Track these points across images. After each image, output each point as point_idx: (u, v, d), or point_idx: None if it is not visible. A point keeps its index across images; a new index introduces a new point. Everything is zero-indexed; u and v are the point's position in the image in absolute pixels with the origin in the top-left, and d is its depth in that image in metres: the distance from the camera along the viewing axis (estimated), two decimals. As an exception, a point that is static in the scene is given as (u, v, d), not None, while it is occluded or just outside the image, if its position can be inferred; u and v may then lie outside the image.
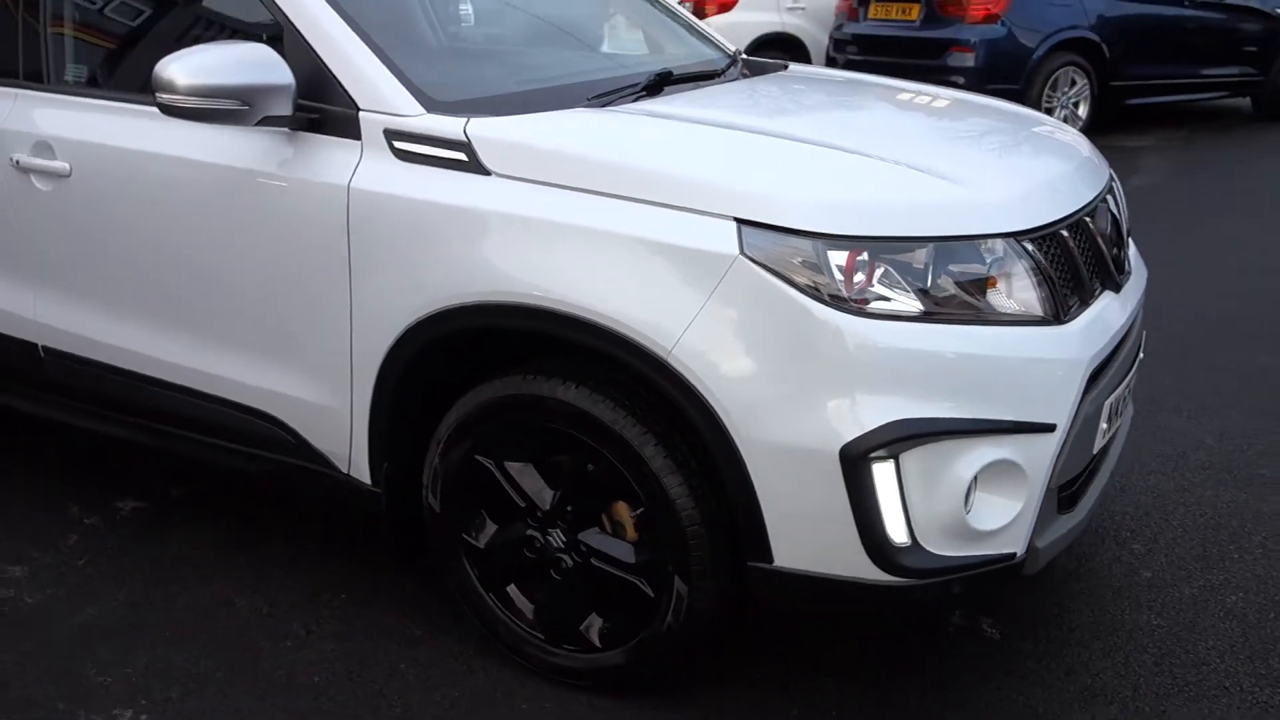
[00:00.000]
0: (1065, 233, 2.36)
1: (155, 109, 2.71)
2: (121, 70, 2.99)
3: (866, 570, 2.16)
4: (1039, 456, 2.21)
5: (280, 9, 2.58)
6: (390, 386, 2.51)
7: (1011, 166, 2.57)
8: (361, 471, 2.66)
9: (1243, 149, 9.34)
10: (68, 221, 2.93)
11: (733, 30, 8.63)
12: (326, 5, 2.57)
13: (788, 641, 2.68)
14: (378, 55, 2.52)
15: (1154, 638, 2.64)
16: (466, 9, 3.42)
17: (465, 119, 2.40)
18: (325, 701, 2.52)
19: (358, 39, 2.54)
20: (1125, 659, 2.57)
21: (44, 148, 2.92)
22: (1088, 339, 2.31)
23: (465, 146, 2.36)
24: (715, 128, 2.53)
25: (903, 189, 2.25)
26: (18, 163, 2.95)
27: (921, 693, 2.50)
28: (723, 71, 3.26)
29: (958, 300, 2.17)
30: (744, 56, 3.55)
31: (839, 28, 9.79)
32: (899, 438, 2.08)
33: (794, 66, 3.45)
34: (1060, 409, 2.23)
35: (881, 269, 2.12)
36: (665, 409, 2.25)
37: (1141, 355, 2.75)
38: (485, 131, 2.37)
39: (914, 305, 2.13)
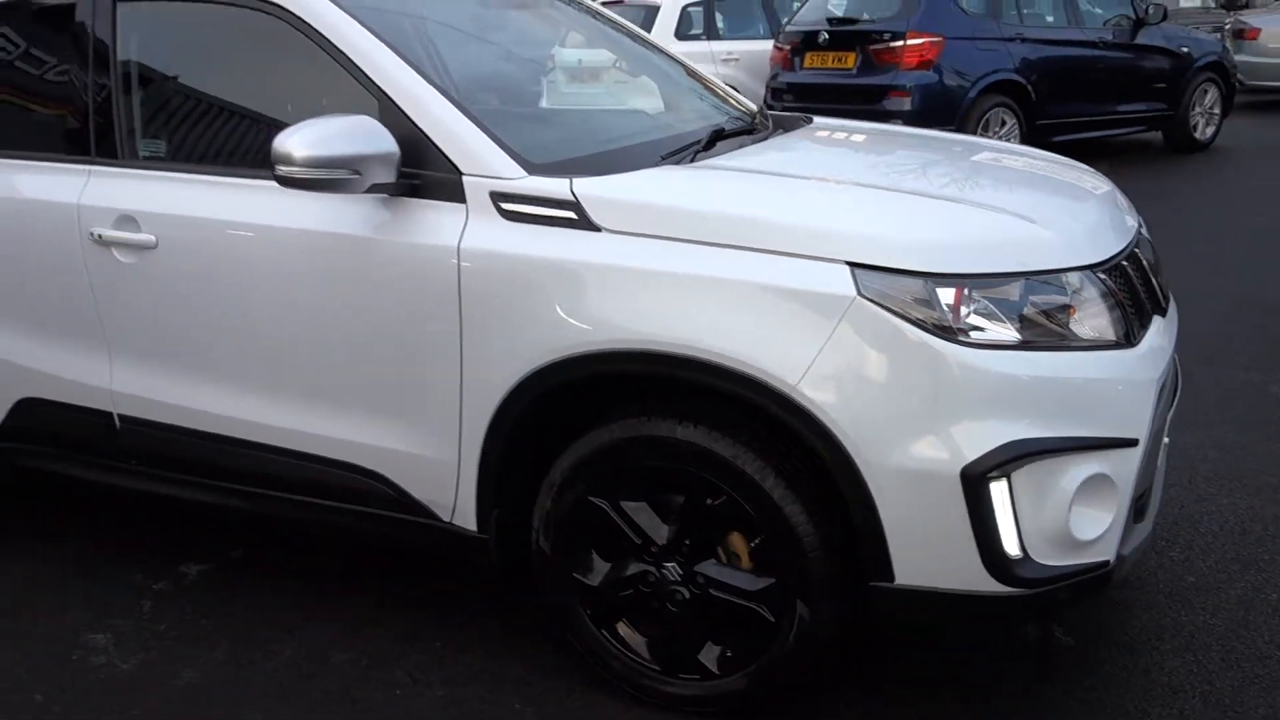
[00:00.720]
0: (1125, 263, 2.60)
1: (244, 181, 2.86)
2: (205, 144, 3.06)
3: (984, 583, 2.33)
4: (1125, 470, 2.42)
5: (375, 84, 2.71)
6: (502, 436, 2.62)
7: (1071, 206, 2.80)
8: (467, 519, 2.76)
9: (1159, 179, 9.86)
10: (154, 291, 2.99)
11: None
12: (420, 79, 2.71)
13: (878, 660, 2.84)
14: (474, 123, 2.67)
15: (1215, 636, 2.86)
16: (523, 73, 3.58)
17: (568, 179, 2.55)
18: (452, 745, 2.61)
19: (454, 108, 2.68)
20: (1194, 657, 2.78)
21: (127, 221, 2.98)
22: (1153, 359, 2.54)
23: (574, 205, 2.51)
24: (805, 179, 2.73)
25: (994, 230, 2.46)
26: (100, 237, 3.00)
27: (1020, 701, 2.67)
28: (755, 125, 3.46)
29: (1046, 329, 2.37)
30: (767, 111, 3.76)
31: (775, 77, 10.14)
32: (1013, 457, 2.27)
33: (817, 119, 3.65)
34: (1139, 425, 2.44)
35: (982, 303, 2.32)
36: (783, 442, 2.40)
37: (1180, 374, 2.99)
38: (592, 190, 2.52)
39: (1012, 335, 2.33)
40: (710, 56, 10.88)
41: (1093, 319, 2.44)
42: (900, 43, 8.89)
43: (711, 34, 11.03)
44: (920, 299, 2.29)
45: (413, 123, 2.66)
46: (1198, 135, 10.98)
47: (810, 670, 2.53)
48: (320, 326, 2.80)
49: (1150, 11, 10.14)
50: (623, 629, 2.70)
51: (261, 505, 3.09)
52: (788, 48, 9.95)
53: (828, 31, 9.36)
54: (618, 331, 2.44)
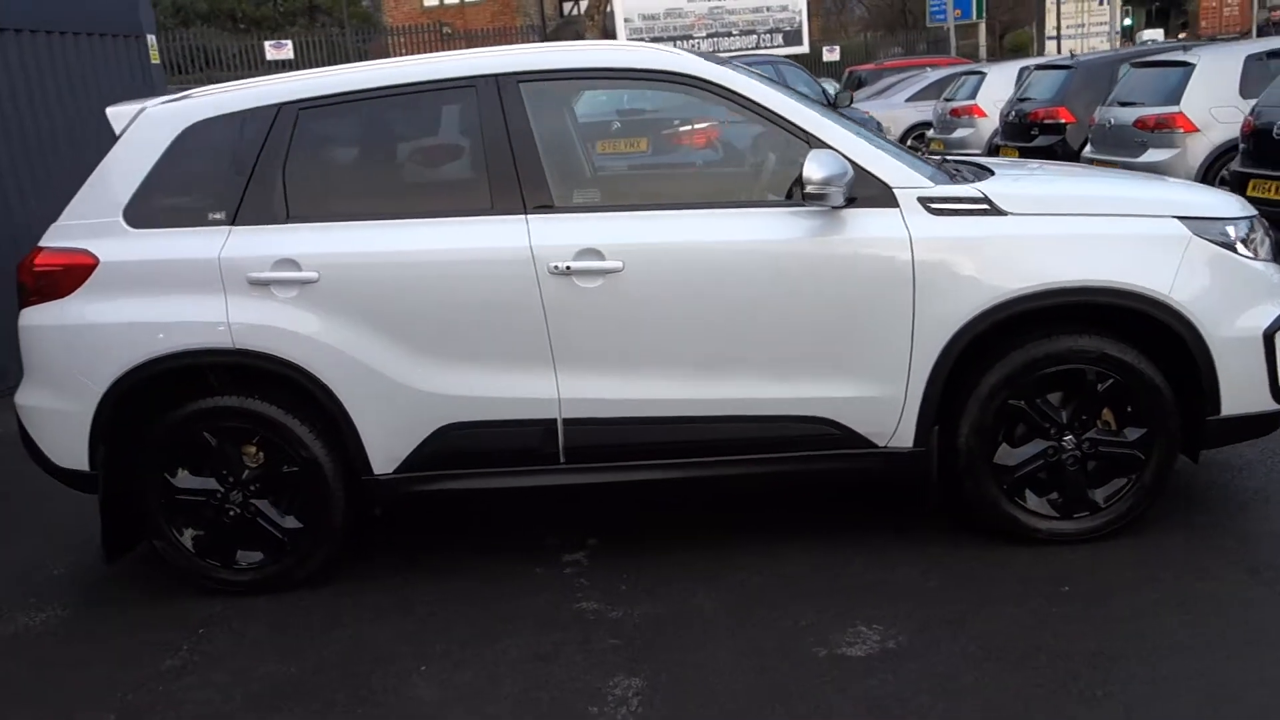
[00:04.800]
0: (1256, 217, 4.21)
1: (695, 211, 3.76)
2: (632, 187, 3.84)
3: (1269, 405, 3.77)
4: (1300, 331, 3.98)
5: (813, 134, 3.73)
6: (945, 370, 3.70)
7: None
8: (904, 440, 3.78)
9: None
10: (618, 306, 3.71)
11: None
12: (840, 125, 3.78)
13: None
14: (888, 153, 3.77)
15: (1301, 447, 4.52)
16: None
17: (972, 183, 3.74)
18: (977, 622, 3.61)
19: (871, 145, 3.77)
20: (1306, 457, 4.41)
21: (590, 253, 3.69)
22: None
23: (985, 200, 3.69)
24: (1102, 176, 4.10)
25: (1228, 196, 3.97)
26: (568, 268, 3.68)
27: (1222, 499, 4.13)
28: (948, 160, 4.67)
29: (1255, 250, 3.88)
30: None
31: (557, 165, 11.36)
32: (1281, 323, 3.76)
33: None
34: None
35: (1243, 233, 3.80)
36: (1147, 337, 3.71)
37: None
38: (993, 189, 3.73)
39: (1250, 253, 3.82)
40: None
41: (1263, 245, 3.99)
42: (689, 127, 10.48)
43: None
44: (1222, 233, 3.73)
45: (845, 156, 3.68)
46: (871, 193, 13.57)
47: (1165, 486, 3.83)
48: (782, 312, 3.71)
49: (839, 97, 12.58)
50: (1029, 495, 3.84)
51: (704, 470, 3.87)
52: (570, 138, 11.21)
53: (619, 122, 10.76)
54: (1037, 278, 3.64)
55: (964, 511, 3.92)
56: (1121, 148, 10.42)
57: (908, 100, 17.23)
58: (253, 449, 3.94)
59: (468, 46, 30.56)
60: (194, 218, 3.87)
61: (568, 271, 3.70)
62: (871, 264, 3.68)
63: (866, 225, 3.68)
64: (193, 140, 3.91)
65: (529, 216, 3.76)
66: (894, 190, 3.70)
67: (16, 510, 5.04)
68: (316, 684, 3.37)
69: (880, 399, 3.76)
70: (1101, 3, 34.17)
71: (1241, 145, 8.70)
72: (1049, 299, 3.67)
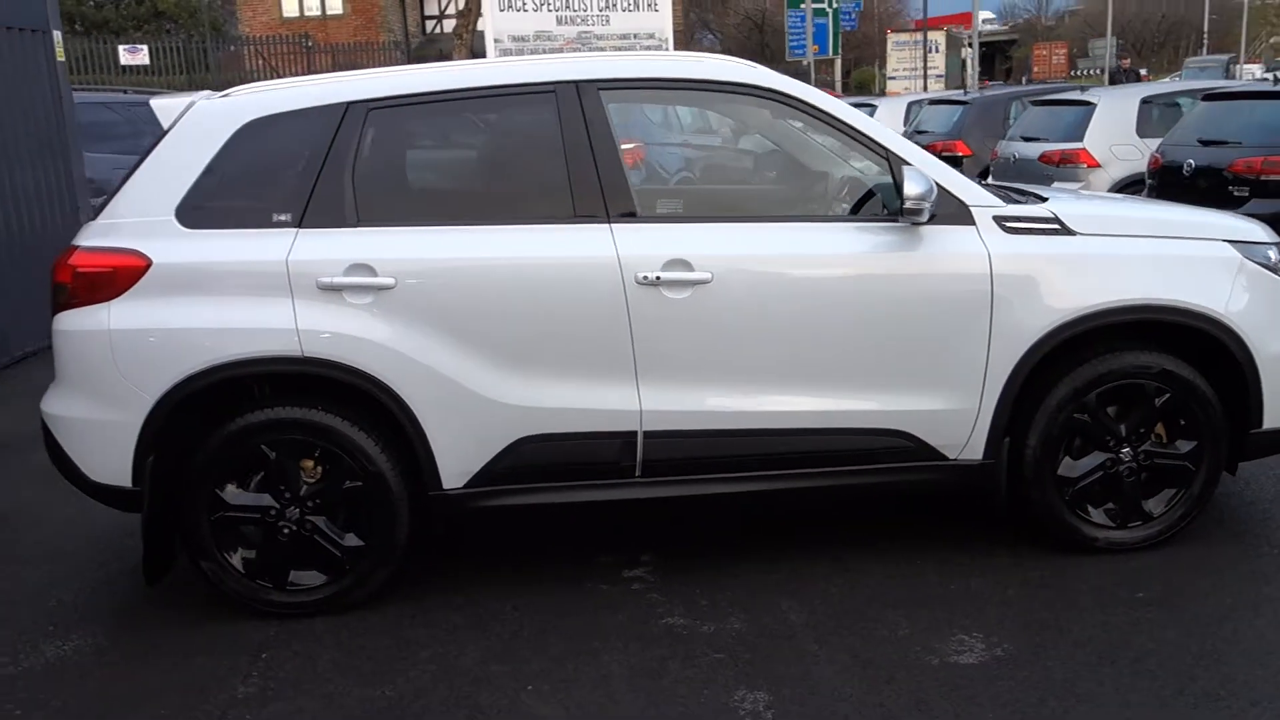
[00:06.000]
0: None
1: (780, 224, 3.79)
2: (716, 199, 3.82)
3: (1308, 419, 4.03)
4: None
5: (894, 151, 3.79)
6: (1019, 383, 3.81)
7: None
8: (975, 453, 3.87)
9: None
10: (704, 319, 3.68)
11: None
12: (920, 149, 3.86)
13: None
14: (957, 173, 3.87)
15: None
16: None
17: (1042, 204, 3.87)
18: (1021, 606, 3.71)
19: (945, 166, 3.86)
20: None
21: (679, 264, 3.66)
22: None
23: (1056, 220, 3.83)
24: (1139, 203, 4.27)
25: (1261, 223, 4.20)
26: (656, 279, 3.64)
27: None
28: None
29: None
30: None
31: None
32: (1320, 335, 4.00)
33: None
34: None
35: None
36: (1201, 354, 3.91)
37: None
38: (1061, 209, 3.87)
39: (1281, 274, 4.08)
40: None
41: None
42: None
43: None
44: (1265, 256, 3.97)
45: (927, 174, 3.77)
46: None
47: (1211, 496, 4.03)
48: (866, 324, 3.76)
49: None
50: (1090, 508, 3.97)
51: (777, 484, 3.86)
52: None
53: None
54: (1107, 295, 3.79)
55: (1027, 522, 4.03)
56: (1025, 180, 10.93)
57: (795, 129, 17.68)
58: (310, 463, 3.73)
59: (331, 60, 29.90)
60: (256, 219, 3.66)
61: (657, 282, 3.66)
62: (952, 279, 3.76)
63: (946, 241, 3.77)
64: (252, 137, 3.71)
65: (613, 225, 3.71)
66: (970, 208, 3.80)
67: (-7, 533, 4.65)
68: (423, 707, 3.21)
69: (955, 412, 3.83)
70: (932, 51, 36.74)
71: (1149, 181, 9.27)
72: (1118, 316, 3.83)
